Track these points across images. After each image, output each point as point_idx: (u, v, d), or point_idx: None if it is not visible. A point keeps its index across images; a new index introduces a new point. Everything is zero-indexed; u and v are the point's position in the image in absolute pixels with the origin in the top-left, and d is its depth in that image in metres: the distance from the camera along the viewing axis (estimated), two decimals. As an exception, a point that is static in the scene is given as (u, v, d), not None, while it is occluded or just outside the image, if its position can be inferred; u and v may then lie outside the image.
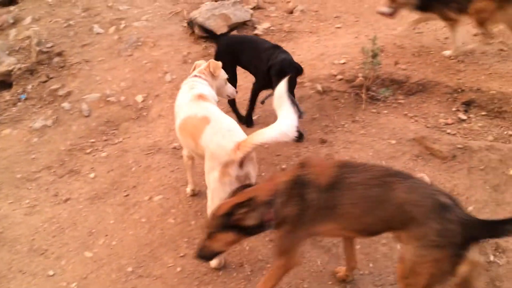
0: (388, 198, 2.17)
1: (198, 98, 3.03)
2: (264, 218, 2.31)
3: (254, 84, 4.18)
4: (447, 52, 4.86)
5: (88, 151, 4.33)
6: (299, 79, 4.64)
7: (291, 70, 3.66)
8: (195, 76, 3.33)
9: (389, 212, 2.18)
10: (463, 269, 2.05)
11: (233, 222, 2.31)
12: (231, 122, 2.86)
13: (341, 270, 2.90)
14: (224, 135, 2.70)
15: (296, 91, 4.54)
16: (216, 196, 2.70)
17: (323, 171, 2.31)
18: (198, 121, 2.85)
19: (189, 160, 3.45)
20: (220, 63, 3.45)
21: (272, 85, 3.64)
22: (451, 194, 2.33)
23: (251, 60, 4.11)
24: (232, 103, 4.32)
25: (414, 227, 2.10)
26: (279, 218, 2.33)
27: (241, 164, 2.64)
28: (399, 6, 4.76)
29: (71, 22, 6.15)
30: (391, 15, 4.86)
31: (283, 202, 2.31)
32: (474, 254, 2.06)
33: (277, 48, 4.01)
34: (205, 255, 2.48)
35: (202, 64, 3.47)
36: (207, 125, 2.78)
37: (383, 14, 4.91)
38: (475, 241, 2.06)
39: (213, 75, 3.38)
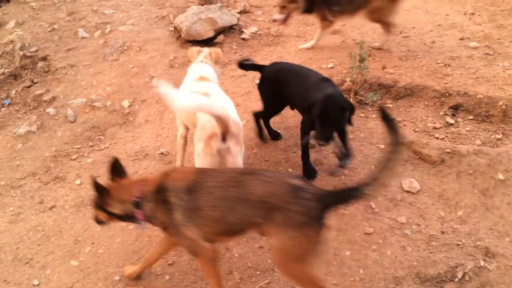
0: (246, 195, 2.34)
1: (201, 79, 3.37)
2: (133, 215, 2.56)
3: (301, 125, 3.62)
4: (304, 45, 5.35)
5: (73, 157, 4.25)
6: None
7: (336, 111, 3.13)
8: (201, 61, 3.63)
9: (251, 209, 2.34)
10: (328, 235, 2.29)
11: (100, 204, 2.59)
12: (226, 101, 3.15)
13: (131, 268, 3.03)
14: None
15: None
16: (200, 165, 2.91)
17: (182, 177, 2.49)
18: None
19: (182, 139, 3.60)
20: (221, 52, 3.77)
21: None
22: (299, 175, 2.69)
23: (295, 95, 3.57)
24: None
25: (279, 215, 2.27)
26: (152, 220, 2.57)
27: (224, 138, 2.81)
28: (291, 11, 5.07)
29: (55, 26, 6.05)
30: (284, 21, 5.18)
31: (151, 207, 2.52)
32: (329, 219, 2.30)
33: (325, 81, 3.41)
34: (97, 220, 2.74)
35: (205, 50, 3.74)
36: None
37: (276, 21, 5.40)
38: (329, 209, 2.29)
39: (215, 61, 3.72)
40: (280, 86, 3.63)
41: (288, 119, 4.29)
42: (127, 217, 2.62)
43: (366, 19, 5.12)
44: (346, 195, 2.30)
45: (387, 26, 5.05)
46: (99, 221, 2.73)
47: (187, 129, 3.55)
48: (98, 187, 2.52)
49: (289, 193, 2.27)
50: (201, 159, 2.88)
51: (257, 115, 4.01)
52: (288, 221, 2.26)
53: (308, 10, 5.03)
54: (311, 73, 3.58)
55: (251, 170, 2.52)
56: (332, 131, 3.23)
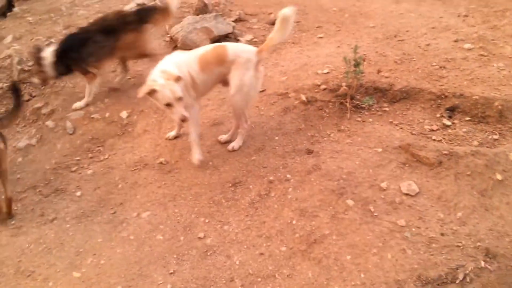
0: None
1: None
2: None
3: None
4: (78, 104, 5.01)
5: (73, 169, 4.27)
6: (283, 90, 4.69)
7: None
8: None
9: None
10: None
11: None
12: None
13: None
14: (244, 46, 4.03)
15: (281, 101, 4.59)
16: (253, 89, 3.85)
17: None
18: (218, 48, 3.84)
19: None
20: None
21: None
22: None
23: None
24: None
25: None
26: None
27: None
28: (46, 78, 5.03)
29: (52, 40, 6.09)
30: (42, 85, 5.24)
31: None
32: None
33: None
34: None
35: None
36: (228, 46, 3.81)
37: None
38: None
39: None
40: None
41: (286, 125, 4.32)
42: None
43: (130, 59, 5.25)
44: None
45: (154, 56, 5.06)
46: None
47: None
48: None
49: None
50: (253, 84, 3.85)
51: None
52: None
53: (63, 73, 4.96)
54: None
55: None
56: None
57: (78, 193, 3.96)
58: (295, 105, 4.53)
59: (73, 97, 5.12)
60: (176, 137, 4.38)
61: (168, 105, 3.44)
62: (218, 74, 3.84)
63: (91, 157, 4.39)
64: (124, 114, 4.79)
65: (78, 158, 4.40)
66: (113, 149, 4.44)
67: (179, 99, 3.43)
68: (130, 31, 4.86)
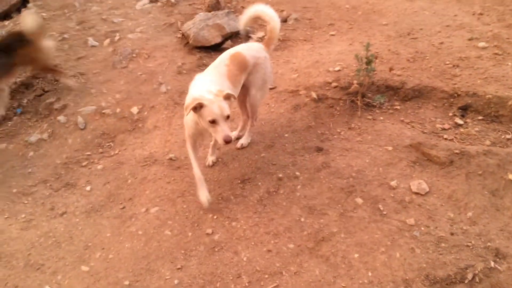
0: None
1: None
2: None
3: None
4: None
5: (84, 164, 4.30)
6: (294, 87, 4.67)
7: None
8: None
9: None
10: None
11: None
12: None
13: None
14: (253, 46, 3.96)
15: (291, 99, 4.57)
16: (270, 83, 4.22)
17: None
18: (237, 57, 3.64)
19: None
20: None
21: None
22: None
23: None
24: None
25: None
26: None
27: None
28: None
29: (65, 36, 6.14)
30: None
31: None
32: None
33: None
34: None
35: None
36: (244, 52, 3.73)
37: None
38: None
39: None
40: None
41: (296, 122, 4.30)
42: None
43: (33, 72, 5.21)
44: None
45: (57, 73, 5.17)
46: None
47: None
48: None
49: None
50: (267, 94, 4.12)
51: None
52: None
53: None
54: None
55: None
56: None
57: (88, 188, 3.99)
58: (306, 102, 4.51)
59: (85, 92, 5.16)
60: (215, 163, 4.05)
61: (213, 122, 3.06)
62: (242, 82, 3.71)
63: (101, 152, 4.42)
64: (135, 109, 4.82)
65: (88, 153, 4.43)
66: (124, 144, 4.46)
67: (227, 117, 3.10)
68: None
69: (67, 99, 5.10)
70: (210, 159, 4.01)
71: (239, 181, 3.77)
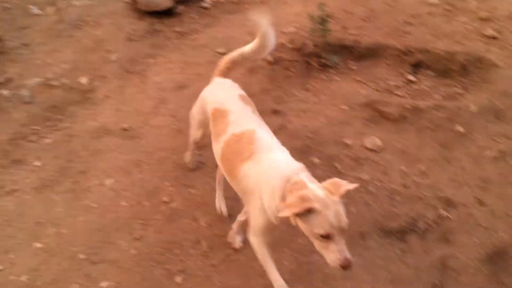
0: None
1: None
2: None
3: None
4: None
5: (32, 139, 4.09)
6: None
7: None
8: None
9: None
10: None
11: None
12: None
13: None
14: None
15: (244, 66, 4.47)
16: None
17: None
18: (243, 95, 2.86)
19: None
20: None
21: None
22: None
23: None
24: None
25: None
26: None
27: None
28: None
29: (6, 5, 5.76)
30: None
31: None
32: None
33: None
34: None
35: None
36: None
37: None
38: None
39: None
40: None
41: (252, 86, 4.23)
42: None
43: None
44: None
45: None
46: None
47: None
48: None
49: None
50: None
51: None
52: None
53: None
54: None
55: None
56: None
57: (38, 163, 3.82)
58: (261, 65, 4.44)
59: (30, 63, 4.88)
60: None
61: (326, 236, 1.96)
62: None
63: (50, 126, 4.21)
64: (83, 80, 4.60)
65: (37, 127, 4.21)
66: (74, 116, 4.27)
67: (345, 229, 1.99)
68: None
69: (11, 72, 4.81)
70: (238, 239, 3.01)
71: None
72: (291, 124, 3.79)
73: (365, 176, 3.25)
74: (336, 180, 2.06)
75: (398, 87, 4.08)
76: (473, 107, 3.66)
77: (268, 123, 3.72)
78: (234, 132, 2.48)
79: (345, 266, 1.95)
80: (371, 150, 3.47)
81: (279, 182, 2.11)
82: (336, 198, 1.97)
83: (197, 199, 3.31)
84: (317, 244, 2.01)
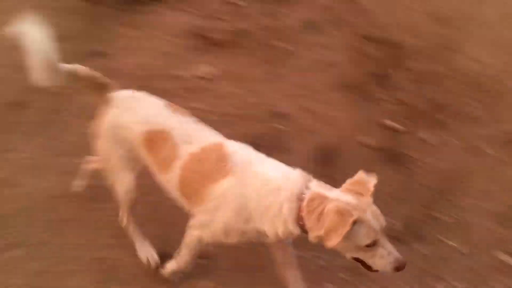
0: None
1: None
2: None
3: None
4: None
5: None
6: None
7: None
8: None
9: None
10: None
11: None
12: None
13: None
14: None
15: (57, 3, 3.98)
16: None
17: None
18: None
19: None
20: None
21: None
22: None
23: None
24: None
25: None
26: None
27: None
28: None
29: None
30: None
31: None
32: None
33: None
34: None
35: None
36: None
37: None
38: None
39: None
40: None
41: (69, 29, 3.79)
42: None
43: None
44: None
45: None
46: None
47: None
48: None
49: None
50: None
51: None
52: None
53: None
54: None
55: None
56: None
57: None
58: (74, 5, 3.99)
59: None
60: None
61: (373, 244, 1.69)
62: None
63: None
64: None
65: None
66: None
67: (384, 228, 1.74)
68: None
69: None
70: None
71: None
72: (117, 63, 3.51)
73: (200, 105, 3.19)
74: (358, 177, 1.79)
75: (223, 12, 4.04)
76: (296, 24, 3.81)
77: (93, 66, 3.43)
78: (192, 152, 1.95)
79: (400, 268, 1.74)
80: (204, 78, 3.41)
81: (287, 204, 1.74)
82: (367, 199, 1.72)
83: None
84: (361, 256, 1.74)
